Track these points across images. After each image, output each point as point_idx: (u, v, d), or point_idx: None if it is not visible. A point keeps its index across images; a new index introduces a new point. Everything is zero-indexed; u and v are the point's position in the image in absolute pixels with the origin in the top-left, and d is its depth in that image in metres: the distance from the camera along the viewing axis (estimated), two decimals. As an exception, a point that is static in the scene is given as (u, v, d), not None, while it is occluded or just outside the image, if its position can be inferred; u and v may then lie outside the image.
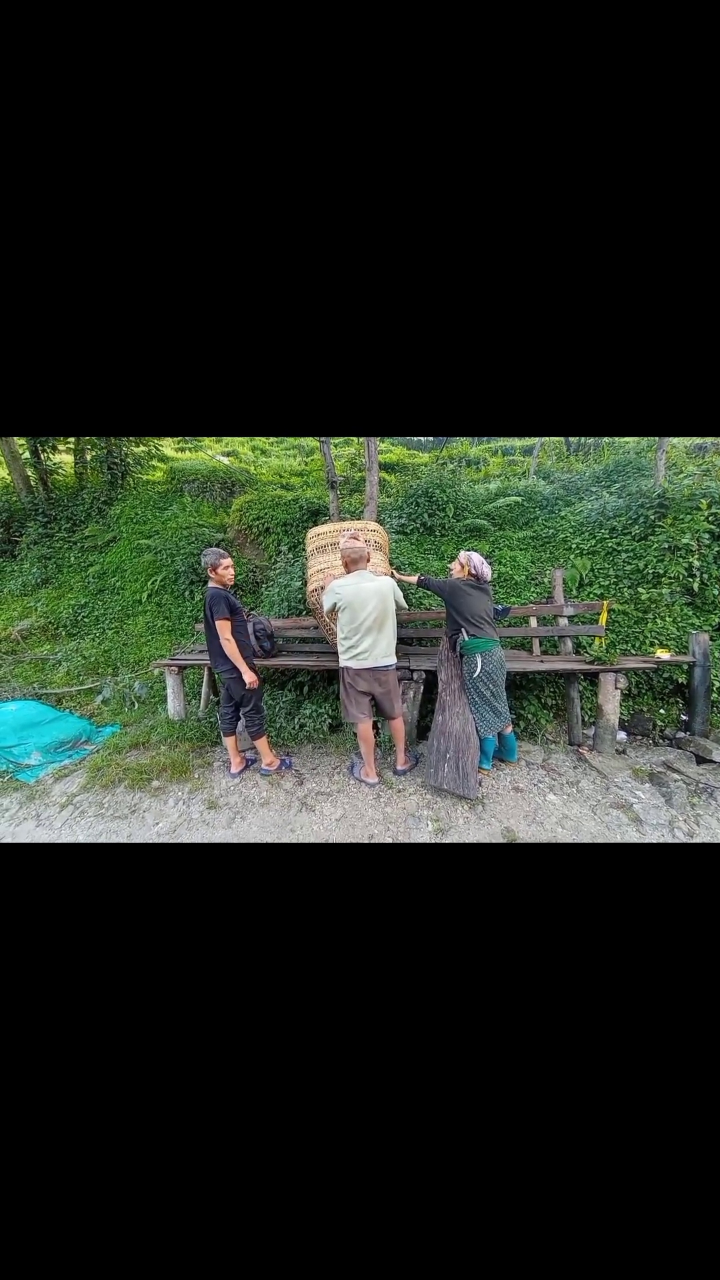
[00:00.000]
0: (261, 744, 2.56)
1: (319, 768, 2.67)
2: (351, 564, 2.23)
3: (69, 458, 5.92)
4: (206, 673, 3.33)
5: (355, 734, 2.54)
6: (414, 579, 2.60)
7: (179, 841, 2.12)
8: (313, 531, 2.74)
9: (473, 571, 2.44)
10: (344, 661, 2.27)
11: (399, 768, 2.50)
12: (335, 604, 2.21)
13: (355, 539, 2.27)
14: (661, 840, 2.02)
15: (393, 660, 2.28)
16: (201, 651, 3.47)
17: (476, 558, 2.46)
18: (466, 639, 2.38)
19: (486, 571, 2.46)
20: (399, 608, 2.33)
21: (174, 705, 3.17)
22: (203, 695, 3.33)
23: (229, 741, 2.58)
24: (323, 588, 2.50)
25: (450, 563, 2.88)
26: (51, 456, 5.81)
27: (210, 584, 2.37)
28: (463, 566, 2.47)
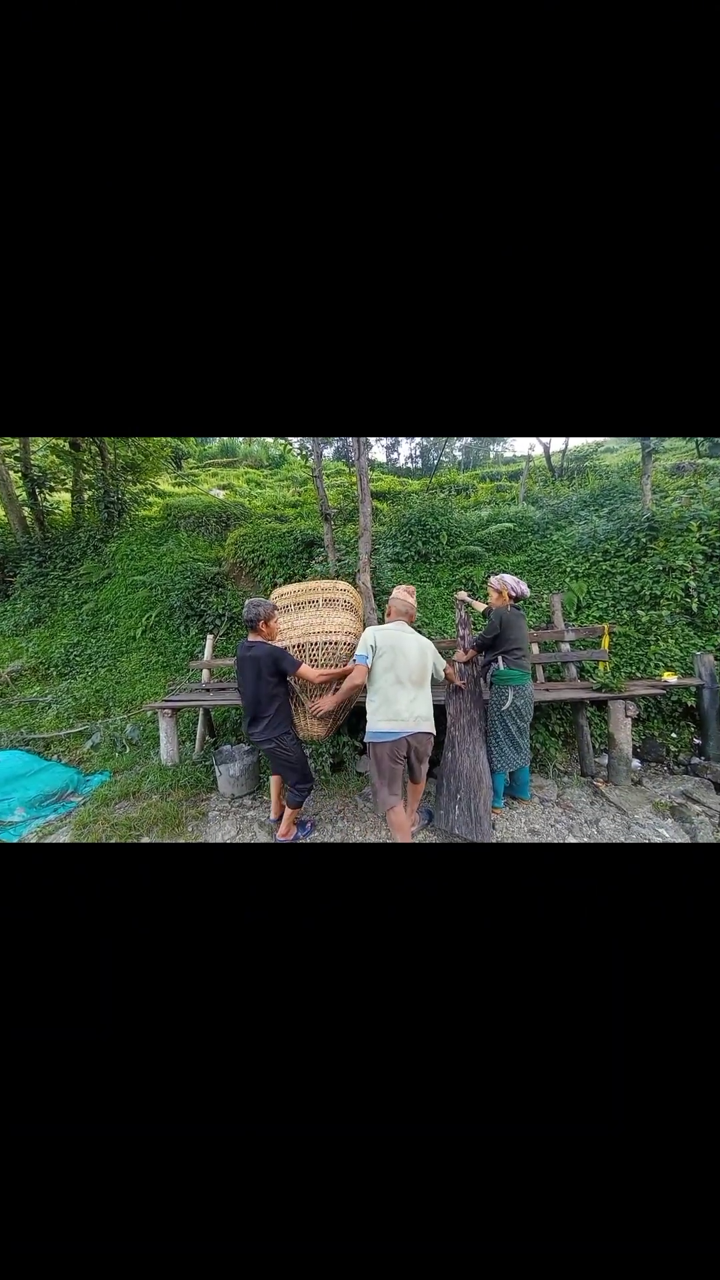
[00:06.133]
0: (291, 815, 2.15)
1: (321, 811, 2.52)
2: (395, 615, 1.98)
3: (66, 497, 6.00)
4: (202, 714, 3.21)
5: (385, 819, 2.00)
6: (481, 607, 2.33)
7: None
8: (277, 592, 2.46)
9: (511, 594, 2.23)
10: (377, 727, 1.81)
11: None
12: (373, 647, 1.84)
13: (409, 595, 2.01)
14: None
15: (433, 728, 1.91)
16: (194, 690, 3.37)
17: (510, 579, 2.22)
18: (502, 668, 2.18)
19: (525, 589, 2.24)
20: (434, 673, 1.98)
21: (167, 750, 3.03)
22: (198, 737, 3.20)
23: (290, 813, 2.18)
24: (299, 645, 2.12)
25: (457, 592, 2.76)
26: (49, 497, 5.89)
27: (256, 638, 1.96)
28: (499, 593, 2.24)
